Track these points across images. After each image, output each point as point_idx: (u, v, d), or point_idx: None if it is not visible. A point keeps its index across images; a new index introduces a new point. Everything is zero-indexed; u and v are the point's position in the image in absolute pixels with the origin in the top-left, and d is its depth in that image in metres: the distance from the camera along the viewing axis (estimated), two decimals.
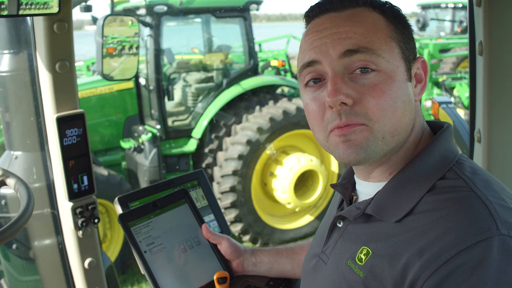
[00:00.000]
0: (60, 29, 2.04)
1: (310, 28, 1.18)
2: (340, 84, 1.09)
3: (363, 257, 1.12)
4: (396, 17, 1.16)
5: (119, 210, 1.69)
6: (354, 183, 1.31)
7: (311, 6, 1.20)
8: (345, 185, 1.31)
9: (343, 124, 1.09)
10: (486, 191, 1.04)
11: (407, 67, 1.14)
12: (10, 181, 1.67)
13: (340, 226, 1.25)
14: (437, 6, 14.74)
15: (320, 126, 1.15)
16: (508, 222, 0.98)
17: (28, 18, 2.24)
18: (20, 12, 1.79)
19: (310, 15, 1.20)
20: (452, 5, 14.16)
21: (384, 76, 1.09)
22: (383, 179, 1.19)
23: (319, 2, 1.19)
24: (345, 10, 1.14)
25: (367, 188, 1.23)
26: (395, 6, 1.18)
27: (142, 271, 1.53)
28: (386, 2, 1.18)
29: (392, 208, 1.11)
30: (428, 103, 8.37)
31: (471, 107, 2.06)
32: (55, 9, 1.89)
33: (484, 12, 1.82)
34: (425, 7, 14.96)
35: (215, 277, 1.55)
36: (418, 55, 1.20)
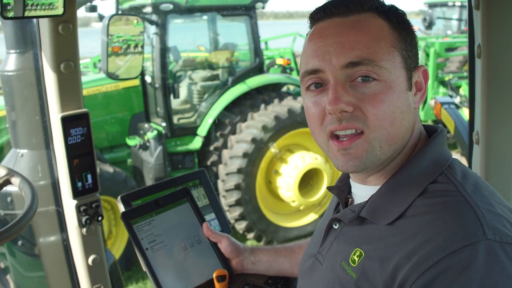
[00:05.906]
0: (65, 30, 2.07)
1: (314, 32, 1.19)
2: (341, 92, 1.10)
3: (356, 259, 1.14)
4: (400, 23, 1.17)
5: (121, 208, 1.72)
6: (350, 186, 1.33)
7: (316, 8, 1.20)
8: (341, 188, 1.34)
9: (342, 128, 1.11)
10: (475, 196, 1.06)
11: (408, 76, 1.15)
12: (15, 180, 1.71)
13: (336, 228, 1.28)
14: (444, 5, 14.63)
15: (320, 129, 1.17)
16: (495, 227, 0.99)
17: (34, 19, 2.26)
18: (26, 14, 1.80)
19: (315, 17, 1.20)
20: (459, 4, 14.06)
21: (385, 85, 1.10)
22: (378, 183, 1.21)
23: (324, 5, 1.18)
24: (350, 16, 1.14)
25: (362, 191, 1.25)
26: (400, 11, 1.19)
27: (144, 268, 1.56)
28: (392, 6, 1.18)
29: (385, 211, 1.13)
30: (433, 102, 8.34)
31: (471, 109, 2.07)
32: (60, 10, 1.91)
33: (482, 15, 1.82)
34: (432, 6, 14.85)
35: (214, 275, 1.58)
36: (419, 64, 1.21)
